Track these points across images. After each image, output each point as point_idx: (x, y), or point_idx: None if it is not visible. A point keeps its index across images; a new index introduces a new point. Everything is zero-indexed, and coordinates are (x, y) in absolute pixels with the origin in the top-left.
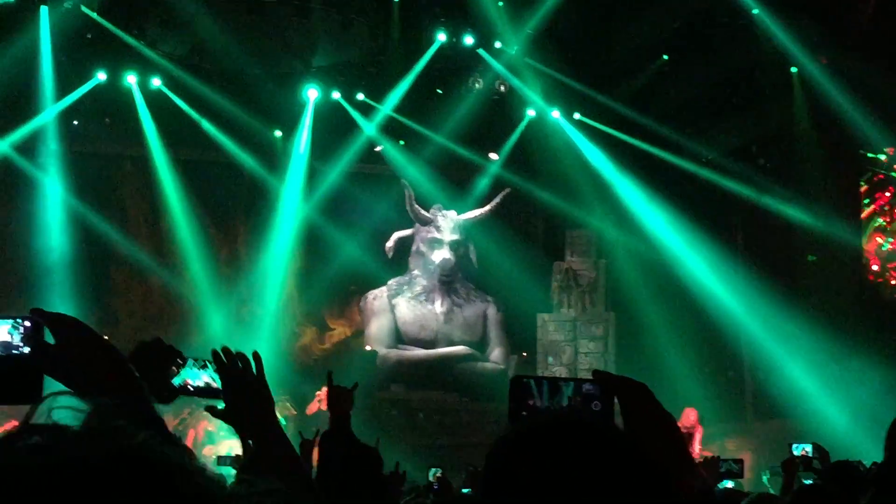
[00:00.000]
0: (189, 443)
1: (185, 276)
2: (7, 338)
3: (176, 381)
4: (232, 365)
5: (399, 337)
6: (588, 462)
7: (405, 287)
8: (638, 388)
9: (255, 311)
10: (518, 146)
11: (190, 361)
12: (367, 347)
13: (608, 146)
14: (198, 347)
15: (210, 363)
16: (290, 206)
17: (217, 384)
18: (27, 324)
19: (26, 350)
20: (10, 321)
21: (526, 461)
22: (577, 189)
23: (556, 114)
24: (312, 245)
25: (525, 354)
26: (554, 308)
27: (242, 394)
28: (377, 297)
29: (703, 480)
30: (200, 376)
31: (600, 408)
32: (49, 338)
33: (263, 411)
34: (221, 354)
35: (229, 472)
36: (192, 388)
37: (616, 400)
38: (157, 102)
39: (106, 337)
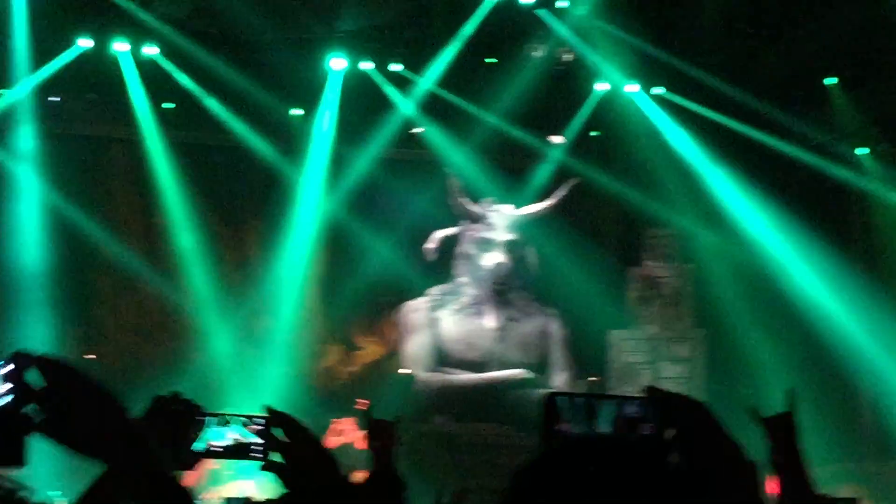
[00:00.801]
0: (191, 482)
1: (185, 284)
2: (237, 437)
3: (198, 445)
4: (282, 420)
5: (442, 358)
6: (627, 499)
7: (450, 297)
8: (698, 409)
9: (268, 325)
10: (587, 127)
11: (208, 420)
12: (404, 370)
13: (697, 127)
14: (201, 368)
15: (232, 418)
16: (311, 200)
17: (247, 439)
18: (8, 368)
19: (7, 399)
20: (236, 421)
21: (548, 498)
22: (658, 179)
23: (633, 88)
24: (338, 247)
25: (595, 379)
26: (630, 324)
27: (300, 455)
28: (416, 310)
29: None
30: (225, 434)
31: (651, 433)
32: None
33: (327, 467)
34: (272, 412)
35: None
36: (220, 450)
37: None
38: (151, 74)
39: (93, 356)
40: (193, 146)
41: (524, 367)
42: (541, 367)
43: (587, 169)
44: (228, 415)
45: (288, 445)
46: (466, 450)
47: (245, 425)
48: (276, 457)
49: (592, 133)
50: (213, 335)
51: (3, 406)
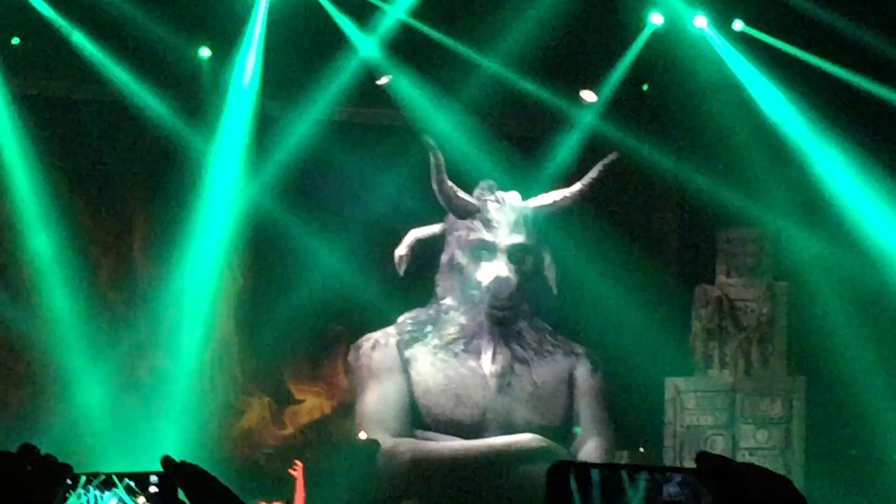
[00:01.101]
0: None
1: (39, 306)
2: None
3: None
4: (191, 477)
5: (418, 417)
6: None
7: (429, 328)
8: (778, 489)
9: (160, 367)
10: (632, 79)
11: (82, 480)
12: (362, 435)
13: (795, 80)
14: (62, 429)
15: (116, 480)
16: (226, 183)
17: None
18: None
19: None
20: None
21: None
22: (738, 157)
23: (702, 22)
24: (264, 251)
25: (644, 450)
26: (696, 369)
27: None
28: (379, 346)
29: None
30: (107, 502)
31: None
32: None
33: None
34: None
35: None
36: None
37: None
38: None
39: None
40: (52, 101)
41: (537, 431)
42: (561, 431)
43: (633, 140)
44: (113, 474)
45: None
46: None
47: (129, 490)
48: None
49: (642, 87)
50: (80, 380)
51: None
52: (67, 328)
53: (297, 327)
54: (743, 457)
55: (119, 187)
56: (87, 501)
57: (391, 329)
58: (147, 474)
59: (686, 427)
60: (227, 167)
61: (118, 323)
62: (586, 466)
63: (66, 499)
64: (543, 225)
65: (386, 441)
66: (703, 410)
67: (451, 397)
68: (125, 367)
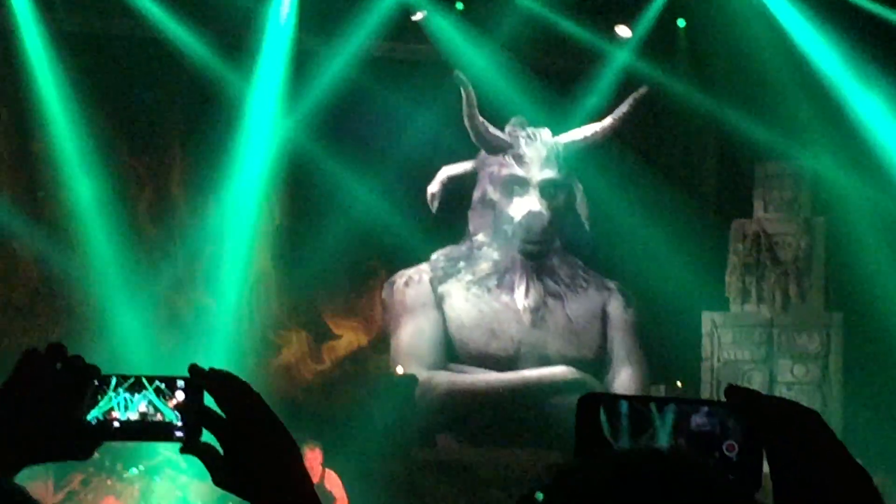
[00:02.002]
0: None
1: (77, 243)
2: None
3: (93, 415)
4: (220, 382)
5: (452, 351)
6: None
7: (462, 264)
8: (807, 424)
9: (199, 302)
10: (668, 14)
11: (114, 381)
12: (398, 370)
13: (833, 16)
14: (100, 363)
15: (146, 382)
16: (264, 120)
17: (168, 415)
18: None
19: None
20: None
21: None
22: (775, 92)
23: None
24: (302, 187)
25: (681, 385)
26: (732, 303)
27: (250, 431)
28: (413, 283)
29: None
30: (136, 405)
31: (735, 455)
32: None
33: (285, 461)
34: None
35: None
36: (119, 425)
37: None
38: None
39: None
40: (90, 38)
41: (570, 364)
42: (595, 364)
43: (667, 76)
44: (143, 377)
45: (225, 421)
46: (485, 485)
47: (159, 392)
48: (207, 437)
49: (677, 23)
50: (118, 316)
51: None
52: (107, 265)
53: (334, 263)
54: (780, 391)
55: (157, 124)
56: (118, 403)
57: (424, 266)
58: (175, 378)
59: (723, 362)
60: (265, 104)
61: (157, 260)
62: (615, 398)
63: (97, 400)
64: (576, 161)
65: (421, 374)
66: (740, 345)
67: (485, 332)
68: (164, 304)
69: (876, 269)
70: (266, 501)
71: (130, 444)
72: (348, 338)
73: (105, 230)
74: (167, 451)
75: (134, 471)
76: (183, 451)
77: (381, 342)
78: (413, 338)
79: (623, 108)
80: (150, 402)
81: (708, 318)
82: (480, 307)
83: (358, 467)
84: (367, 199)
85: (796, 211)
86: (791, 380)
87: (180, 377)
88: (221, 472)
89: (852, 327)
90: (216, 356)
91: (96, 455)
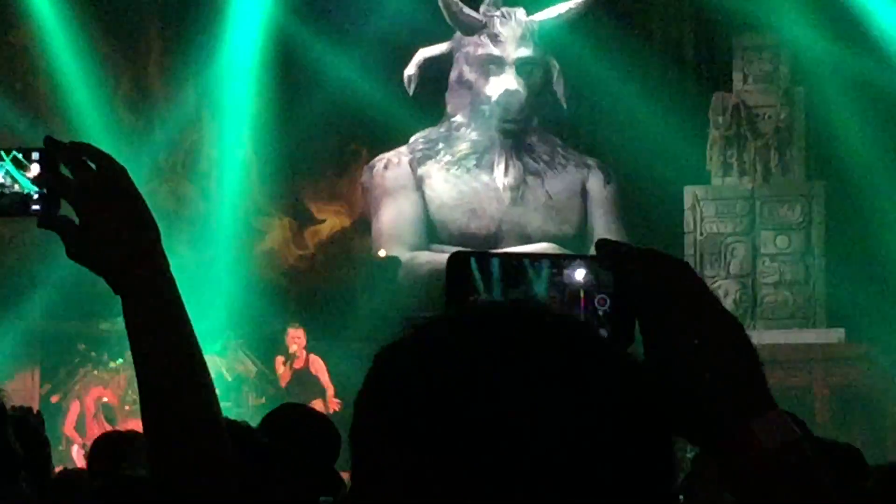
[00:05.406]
0: (71, 422)
1: (56, 132)
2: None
3: None
4: (79, 150)
5: (433, 230)
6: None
7: (441, 145)
8: (672, 272)
9: (179, 191)
10: None
11: None
12: (381, 252)
13: None
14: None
15: (2, 154)
16: (244, 3)
17: (26, 185)
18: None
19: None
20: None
21: (419, 368)
22: None
23: None
24: (283, 72)
25: None
26: (713, 176)
27: (105, 196)
28: (392, 165)
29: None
30: None
31: (607, 309)
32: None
33: (140, 236)
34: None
35: None
36: None
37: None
38: None
39: None
40: None
41: (552, 241)
42: (576, 240)
43: None
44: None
45: (81, 187)
46: None
47: (16, 162)
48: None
49: None
50: None
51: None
52: None
53: (315, 148)
54: (763, 263)
55: (133, 9)
56: None
57: (403, 149)
58: (31, 149)
59: (706, 235)
60: None
61: (136, 145)
62: (487, 254)
63: None
64: (552, 38)
65: (403, 255)
66: (722, 218)
67: (465, 211)
68: (144, 192)
69: (857, 138)
70: (116, 272)
71: (116, 334)
72: (331, 222)
73: (85, 116)
74: None
75: (120, 360)
76: (40, 225)
77: (364, 225)
78: (394, 220)
79: None
80: (6, 173)
81: (690, 192)
82: (460, 187)
83: (342, 349)
84: (346, 81)
85: (776, 82)
86: (774, 251)
87: (36, 148)
88: (76, 244)
89: (834, 196)
90: (198, 244)
91: (82, 346)
